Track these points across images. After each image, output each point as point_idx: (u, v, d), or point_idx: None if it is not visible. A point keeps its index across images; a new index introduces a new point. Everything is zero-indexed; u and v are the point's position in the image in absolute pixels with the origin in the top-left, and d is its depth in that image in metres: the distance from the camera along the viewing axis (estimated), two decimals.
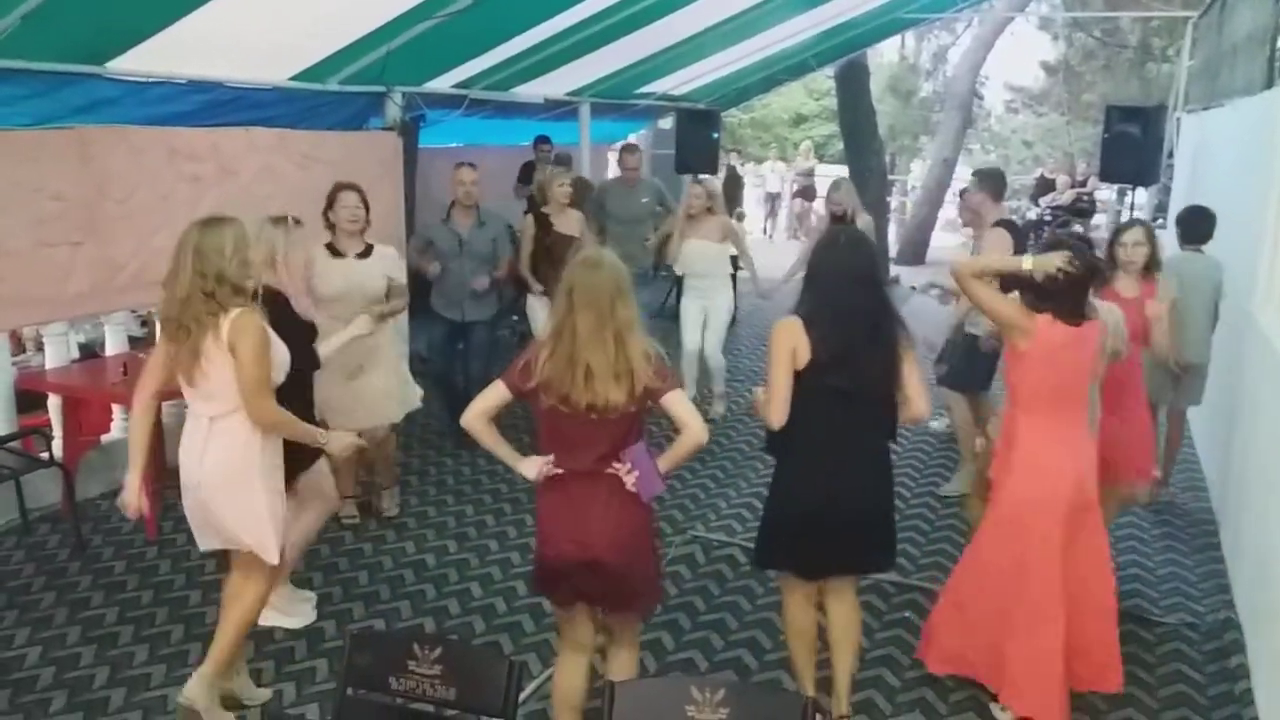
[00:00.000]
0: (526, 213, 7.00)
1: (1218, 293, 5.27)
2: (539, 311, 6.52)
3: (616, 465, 2.89)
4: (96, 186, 4.99)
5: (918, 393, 3.19)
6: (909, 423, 3.31)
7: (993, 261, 3.61)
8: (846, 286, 3.12)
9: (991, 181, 5.65)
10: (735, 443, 6.60)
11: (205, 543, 3.45)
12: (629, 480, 2.89)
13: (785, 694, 3.18)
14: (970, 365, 5.36)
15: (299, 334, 3.66)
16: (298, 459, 3.66)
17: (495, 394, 2.95)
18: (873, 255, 3.27)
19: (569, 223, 6.55)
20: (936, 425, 6.54)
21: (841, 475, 3.20)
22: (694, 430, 2.87)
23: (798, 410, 3.13)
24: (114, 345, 5.76)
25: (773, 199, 18.79)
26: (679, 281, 8.00)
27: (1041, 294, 3.37)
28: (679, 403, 2.88)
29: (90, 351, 6.37)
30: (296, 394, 3.52)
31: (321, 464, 3.91)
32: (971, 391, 5.61)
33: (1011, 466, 3.49)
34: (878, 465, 3.32)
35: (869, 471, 3.27)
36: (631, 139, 14.90)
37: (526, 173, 9.31)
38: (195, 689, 3.35)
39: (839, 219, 7.21)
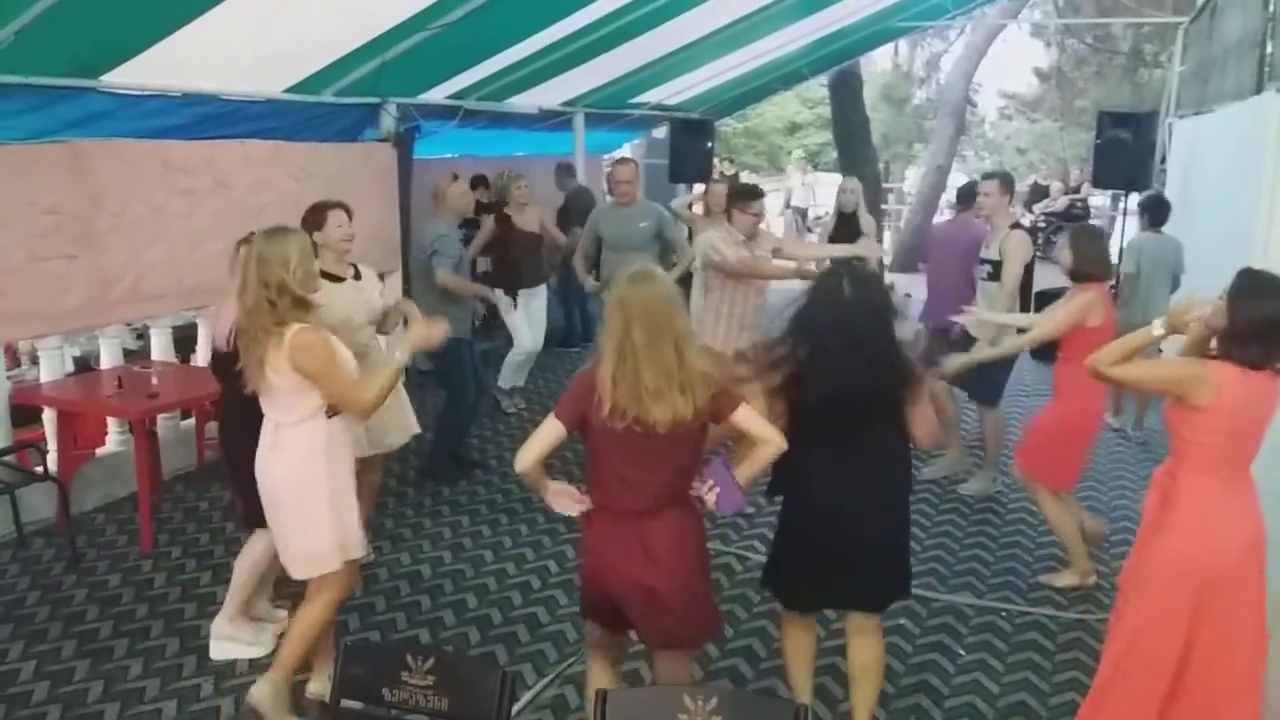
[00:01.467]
0: (479, 213, 7.76)
1: (1178, 267, 6.60)
2: (516, 319, 7.30)
3: (696, 484, 2.81)
4: (91, 200, 5.01)
5: (922, 424, 3.09)
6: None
7: (1128, 342, 2.99)
8: (843, 338, 2.96)
9: (1004, 181, 5.75)
10: (732, 450, 6.60)
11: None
12: (710, 497, 2.80)
13: (778, 701, 3.18)
14: (980, 379, 5.43)
15: None
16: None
17: (549, 433, 2.78)
18: (875, 298, 3.08)
19: (529, 220, 7.37)
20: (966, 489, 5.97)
21: (848, 513, 3.08)
22: (773, 442, 2.78)
23: (797, 448, 2.94)
24: (109, 359, 5.76)
25: (800, 214, 17.65)
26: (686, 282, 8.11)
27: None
28: (751, 418, 2.78)
29: (85, 365, 6.39)
30: None
31: None
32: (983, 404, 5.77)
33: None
34: (889, 499, 3.17)
35: (878, 507, 3.12)
36: (626, 149, 14.95)
37: (476, 182, 9.61)
38: (262, 692, 3.39)
39: (848, 217, 7.25)
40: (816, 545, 3.14)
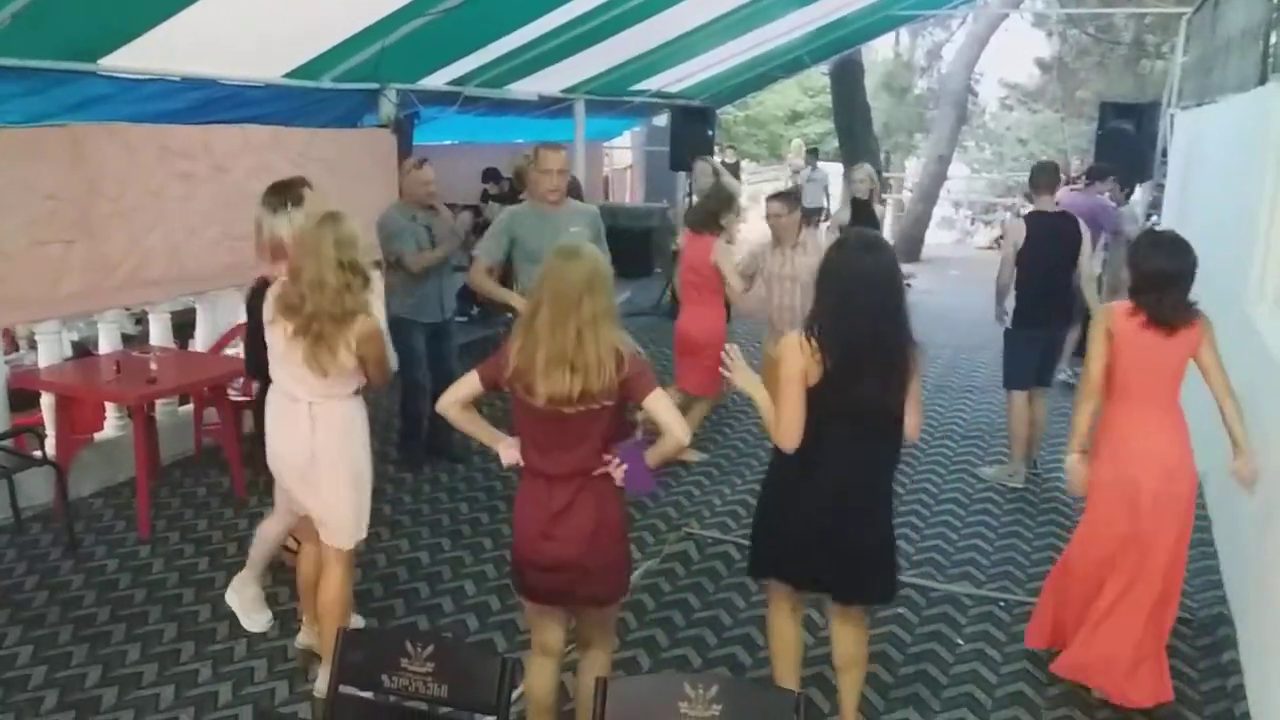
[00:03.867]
0: (486, 200, 7.64)
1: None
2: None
3: (606, 457, 2.88)
4: (89, 185, 4.99)
5: (913, 412, 3.07)
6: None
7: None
8: (856, 293, 2.95)
9: (1034, 175, 5.96)
10: (730, 439, 6.61)
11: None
12: (616, 475, 2.89)
13: (778, 690, 3.17)
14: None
15: None
16: None
17: (468, 384, 2.97)
18: (886, 260, 3.04)
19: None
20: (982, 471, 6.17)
21: (846, 498, 3.06)
22: (674, 433, 2.84)
23: (807, 430, 2.97)
24: (107, 343, 5.74)
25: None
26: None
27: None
28: (658, 404, 2.84)
29: (84, 350, 6.36)
30: None
31: None
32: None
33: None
34: (882, 490, 3.17)
35: (873, 496, 3.13)
36: (626, 137, 14.87)
37: (490, 174, 9.86)
38: (307, 639, 3.83)
39: (863, 204, 7.26)
40: (814, 524, 3.09)
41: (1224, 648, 4.10)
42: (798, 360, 2.94)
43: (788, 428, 2.98)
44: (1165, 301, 3.47)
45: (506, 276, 5.17)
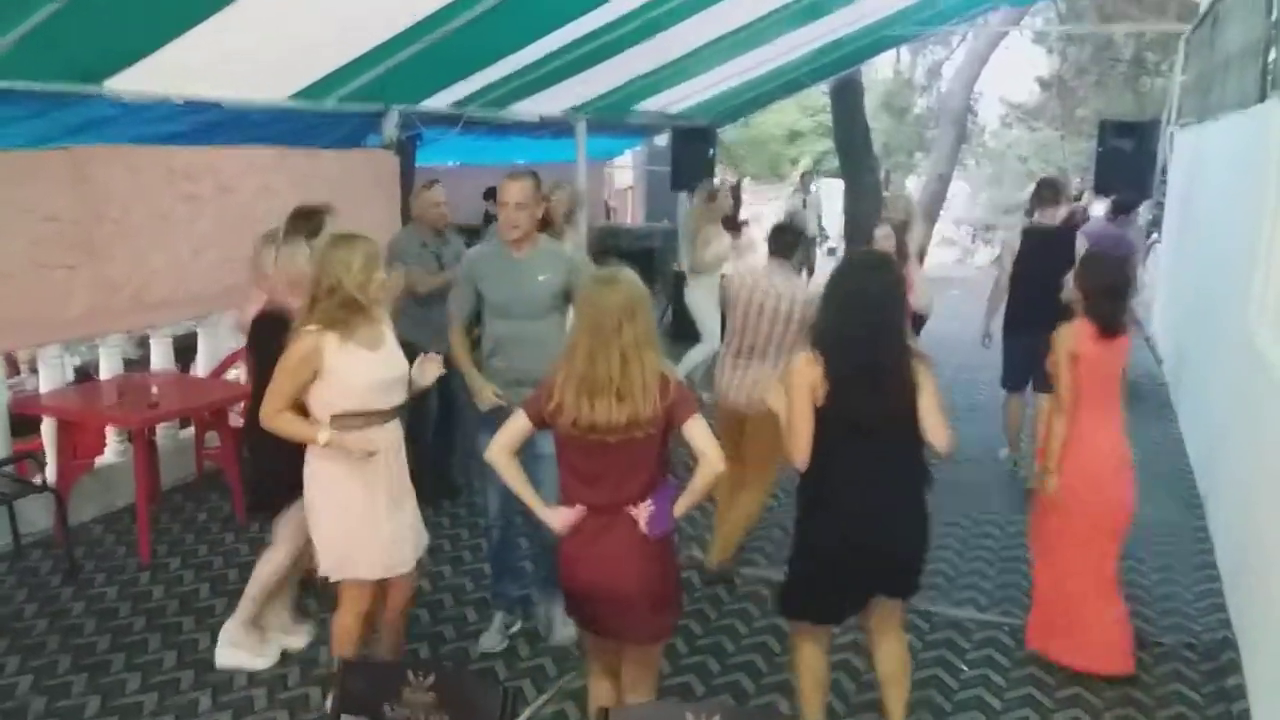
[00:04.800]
0: (488, 222, 7.50)
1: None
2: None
3: (632, 510, 2.85)
4: (93, 207, 5.00)
5: (935, 424, 3.09)
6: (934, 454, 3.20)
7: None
8: (856, 311, 3.06)
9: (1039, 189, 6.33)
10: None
11: None
12: (642, 516, 2.85)
13: (780, 717, 3.16)
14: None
15: None
16: (275, 487, 3.68)
17: (516, 426, 2.92)
18: (888, 278, 3.12)
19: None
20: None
21: (870, 516, 3.09)
22: (711, 460, 2.81)
23: (819, 448, 3.05)
24: (109, 368, 5.74)
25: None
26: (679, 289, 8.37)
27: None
28: (697, 429, 2.82)
29: (85, 375, 6.36)
30: None
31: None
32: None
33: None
34: (910, 502, 3.19)
35: (899, 508, 3.15)
36: (627, 156, 14.86)
37: (491, 194, 9.53)
38: None
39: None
40: (841, 551, 3.13)
41: (1229, 672, 4.07)
42: (805, 375, 3.04)
43: (796, 440, 3.07)
44: (1117, 312, 3.89)
45: None
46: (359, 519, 3.33)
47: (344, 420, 3.23)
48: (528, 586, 4.31)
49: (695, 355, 7.89)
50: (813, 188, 13.24)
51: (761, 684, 3.98)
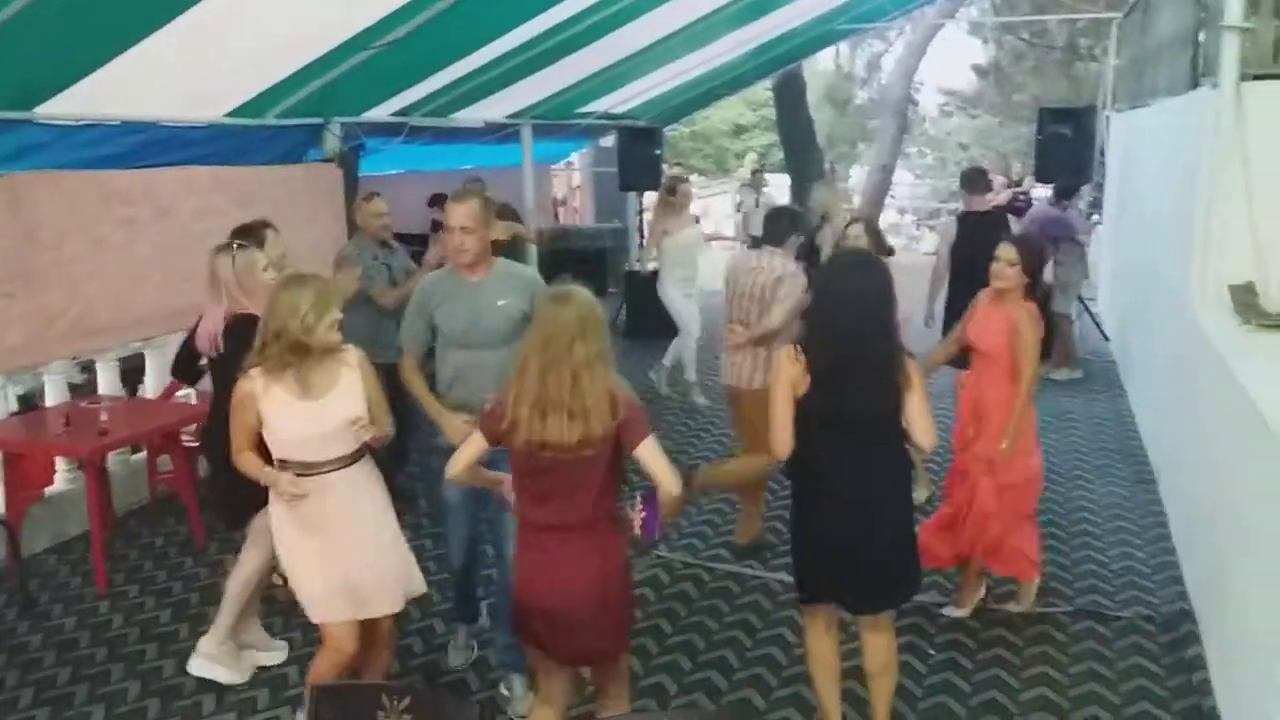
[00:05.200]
0: (436, 229, 7.47)
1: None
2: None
3: (628, 508, 2.88)
4: (27, 235, 4.87)
5: (919, 422, 3.13)
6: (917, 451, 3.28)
7: None
8: (844, 308, 3.10)
9: (967, 178, 6.61)
10: (700, 450, 6.60)
11: None
12: (637, 521, 2.87)
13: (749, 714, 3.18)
14: None
15: None
16: (248, 495, 3.60)
17: (473, 445, 2.93)
18: (877, 277, 3.16)
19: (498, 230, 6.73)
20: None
21: (853, 508, 3.15)
22: (664, 484, 2.80)
23: (802, 440, 3.11)
24: (54, 395, 5.62)
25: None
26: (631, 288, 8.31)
27: None
28: (648, 452, 2.80)
29: (30, 402, 6.21)
30: None
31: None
32: None
33: None
34: (890, 496, 3.25)
35: (880, 503, 3.20)
36: (574, 158, 14.80)
37: (437, 200, 9.58)
38: None
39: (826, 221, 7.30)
40: (832, 538, 3.19)
41: (1188, 643, 4.17)
42: (787, 370, 3.10)
43: (776, 433, 3.13)
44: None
45: None
46: (310, 561, 3.28)
47: (286, 467, 3.21)
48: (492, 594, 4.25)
49: (676, 348, 7.99)
50: (765, 188, 13.20)
51: (734, 679, 4.00)
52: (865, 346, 3.08)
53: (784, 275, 4.75)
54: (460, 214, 3.60)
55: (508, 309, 3.65)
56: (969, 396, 4.33)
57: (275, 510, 3.32)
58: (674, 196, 7.91)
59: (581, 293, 2.88)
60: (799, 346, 3.13)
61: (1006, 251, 4.18)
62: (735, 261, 5.11)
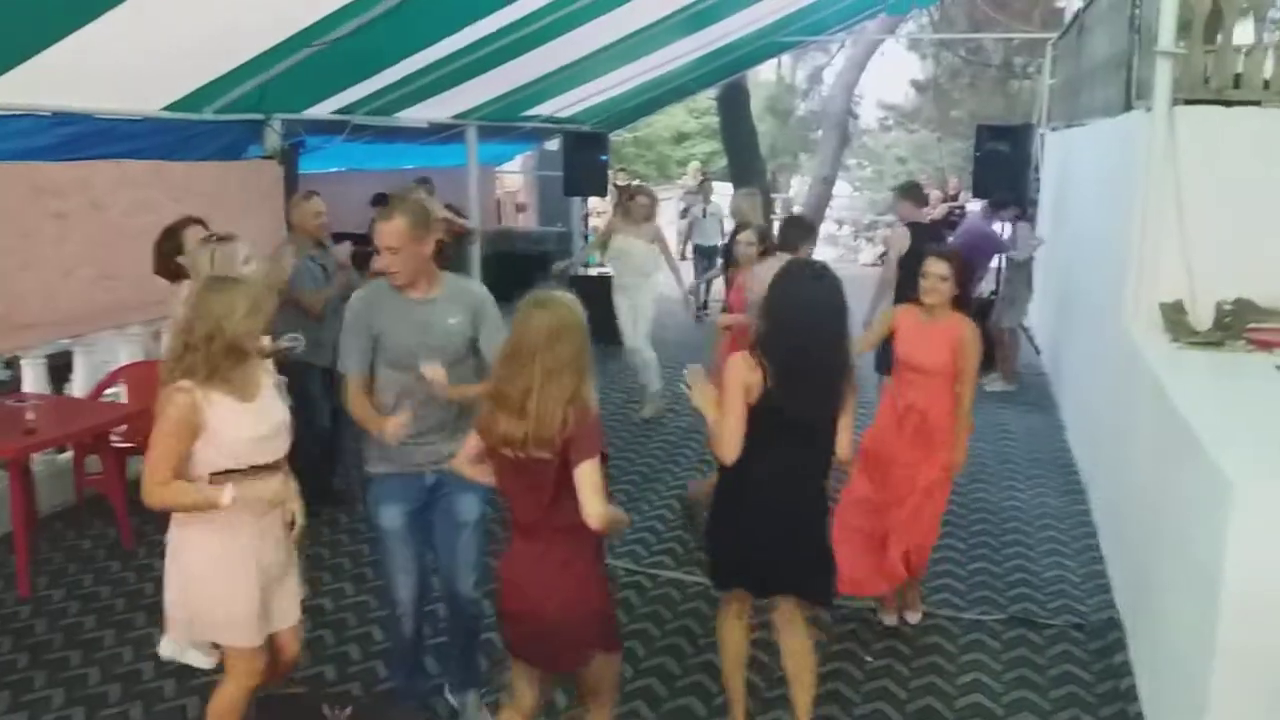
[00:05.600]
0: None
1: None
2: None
3: None
4: None
5: (847, 436, 3.30)
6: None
7: None
8: (800, 317, 3.16)
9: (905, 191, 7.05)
10: (637, 464, 6.60)
11: None
12: None
13: None
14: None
15: None
16: None
17: (473, 442, 3.01)
18: (831, 287, 3.23)
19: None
20: None
21: (782, 505, 3.24)
22: (586, 509, 2.77)
23: (748, 442, 3.15)
24: None
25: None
26: (579, 292, 8.32)
27: None
28: (583, 475, 2.77)
29: None
30: None
31: None
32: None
33: None
34: (816, 496, 3.35)
35: (808, 503, 3.32)
36: (518, 162, 14.72)
37: (379, 199, 9.37)
38: None
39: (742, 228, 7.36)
40: (758, 535, 3.25)
41: (1115, 650, 4.28)
42: (740, 374, 3.14)
43: (728, 438, 3.15)
44: None
45: None
46: (236, 578, 3.05)
47: (222, 479, 2.96)
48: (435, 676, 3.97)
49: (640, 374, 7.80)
50: (713, 197, 13.04)
51: (674, 687, 4.01)
52: (822, 353, 3.15)
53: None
54: (385, 234, 3.29)
55: (461, 326, 3.43)
56: (912, 415, 4.26)
57: (192, 534, 3.03)
58: (631, 203, 7.76)
59: (562, 301, 2.87)
60: (757, 350, 3.16)
61: (937, 266, 4.22)
62: (757, 271, 5.19)
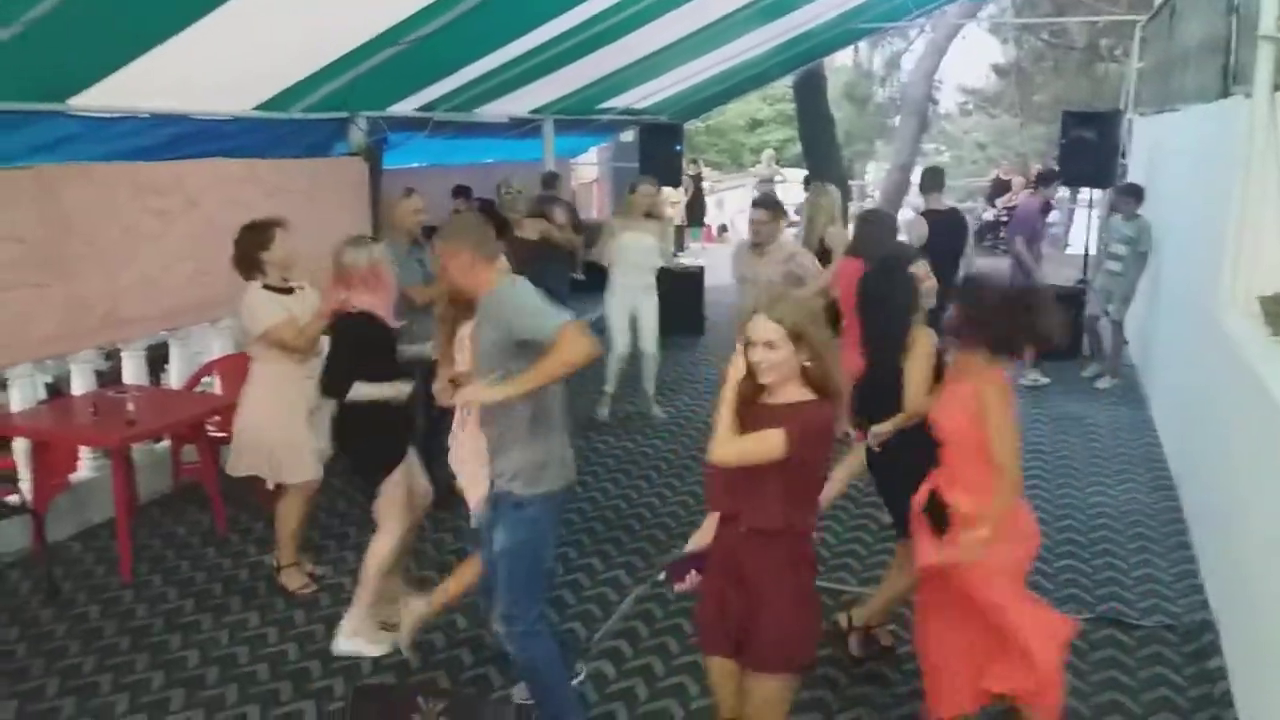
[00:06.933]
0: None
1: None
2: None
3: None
4: (60, 226, 4.92)
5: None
6: None
7: None
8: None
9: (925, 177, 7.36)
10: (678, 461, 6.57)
11: None
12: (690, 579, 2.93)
13: None
14: None
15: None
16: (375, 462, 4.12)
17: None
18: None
19: (527, 230, 6.63)
20: None
21: None
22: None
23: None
24: (81, 384, 5.65)
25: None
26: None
27: None
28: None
29: (56, 390, 6.25)
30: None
31: (398, 473, 4.14)
32: None
33: None
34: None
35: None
36: (593, 154, 14.79)
37: (460, 191, 9.64)
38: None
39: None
40: None
41: (1209, 653, 4.16)
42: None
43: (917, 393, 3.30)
44: None
45: None
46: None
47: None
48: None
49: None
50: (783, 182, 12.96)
51: (655, 688, 4.00)
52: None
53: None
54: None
55: (488, 338, 3.24)
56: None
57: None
58: (632, 195, 7.20)
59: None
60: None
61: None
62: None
